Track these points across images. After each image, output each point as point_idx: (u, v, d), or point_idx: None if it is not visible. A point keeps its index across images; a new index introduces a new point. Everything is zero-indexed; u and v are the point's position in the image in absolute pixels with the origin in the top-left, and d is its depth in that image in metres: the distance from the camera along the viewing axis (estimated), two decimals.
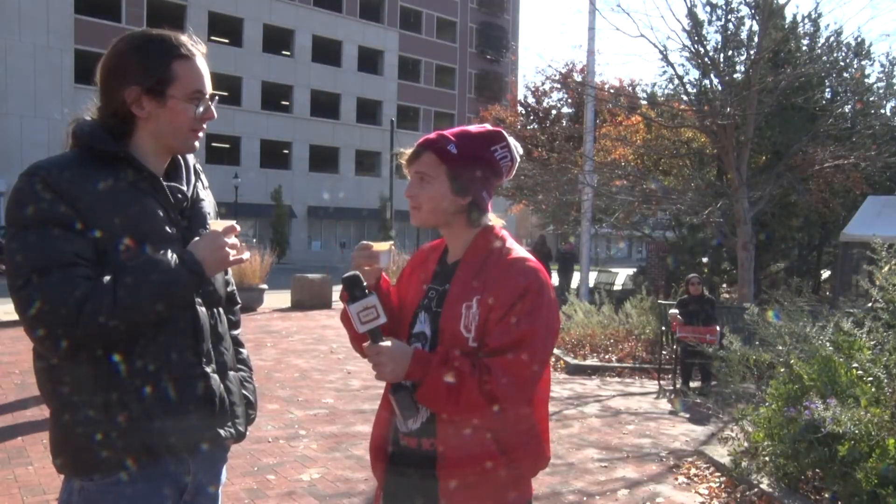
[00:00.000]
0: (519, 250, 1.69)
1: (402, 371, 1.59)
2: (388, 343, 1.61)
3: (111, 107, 1.59)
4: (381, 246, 1.75)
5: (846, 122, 11.91)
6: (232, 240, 1.60)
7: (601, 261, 41.70)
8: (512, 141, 1.74)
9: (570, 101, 23.40)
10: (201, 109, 1.62)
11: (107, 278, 1.46)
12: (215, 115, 1.67)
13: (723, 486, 4.46)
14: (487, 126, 1.77)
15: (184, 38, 1.63)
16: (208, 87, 1.65)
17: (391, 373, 1.60)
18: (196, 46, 1.64)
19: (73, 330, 1.41)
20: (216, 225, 1.62)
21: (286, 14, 41.15)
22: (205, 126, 1.67)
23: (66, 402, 1.52)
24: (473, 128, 1.75)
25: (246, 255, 1.63)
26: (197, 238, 1.60)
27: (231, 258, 1.59)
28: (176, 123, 1.60)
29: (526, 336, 1.57)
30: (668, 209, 13.02)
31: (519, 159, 1.76)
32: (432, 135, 1.73)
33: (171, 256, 1.51)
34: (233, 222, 1.62)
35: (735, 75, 10.50)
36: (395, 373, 1.60)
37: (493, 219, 1.77)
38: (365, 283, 1.64)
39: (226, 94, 35.64)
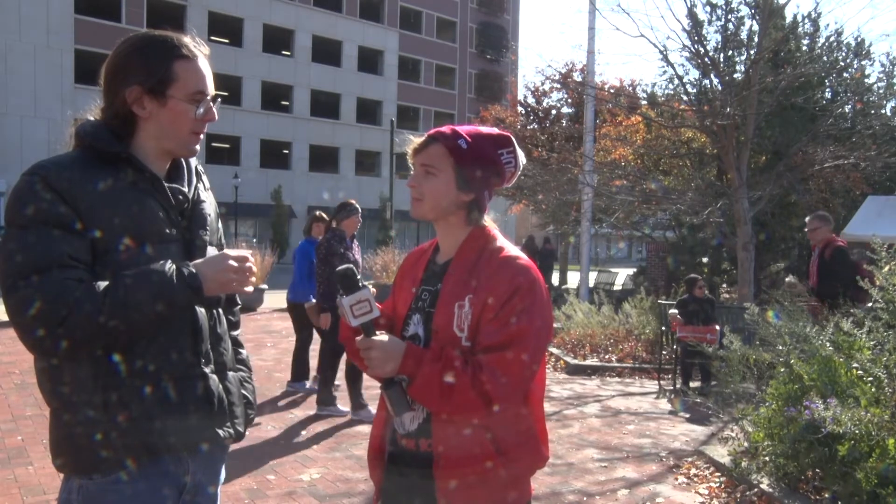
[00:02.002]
0: (510, 249, 1.69)
1: (395, 365, 1.58)
2: (380, 337, 1.61)
3: (113, 107, 1.60)
4: None
5: (846, 122, 11.90)
6: (240, 266, 1.58)
7: (601, 261, 41.70)
8: (518, 149, 1.75)
9: (570, 101, 23.38)
10: (202, 110, 1.62)
11: (105, 282, 1.46)
12: (216, 117, 1.67)
13: (723, 486, 4.46)
14: (497, 130, 1.78)
15: (186, 39, 1.63)
16: (210, 89, 1.65)
17: (383, 367, 1.59)
18: (199, 48, 1.64)
19: (73, 331, 1.40)
20: (231, 252, 1.61)
21: (286, 14, 41.14)
22: (205, 128, 1.67)
23: (66, 401, 1.52)
24: (484, 128, 1.76)
25: (249, 288, 1.61)
26: (205, 258, 1.60)
27: (234, 284, 1.58)
28: (176, 124, 1.61)
29: (519, 333, 1.57)
30: (668, 209, 13.03)
31: (521, 168, 1.77)
32: (445, 128, 1.73)
33: (172, 266, 1.51)
34: (247, 253, 1.61)
35: (735, 75, 10.49)
36: (388, 367, 1.59)
37: (486, 219, 1.77)
38: (359, 277, 1.64)
39: (226, 94, 35.56)
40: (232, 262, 1.57)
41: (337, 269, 1.65)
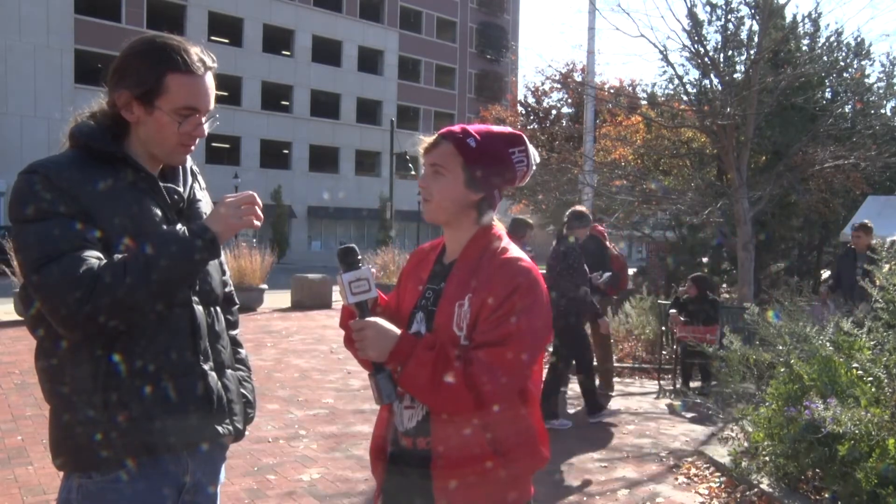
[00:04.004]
0: (514, 250, 1.69)
1: (387, 349, 1.57)
2: (375, 318, 1.61)
3: (113, 107, 1.60)
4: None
5: (846, 122, 11.89)
6: (237, 201, 1.58)
7: None
8: (531, 148, 1.74)
9: (570, 101, 23.39)
10: (187, 127, 1.60)
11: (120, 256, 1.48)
12: (205, 134, 1.65)
13: (723, 486, 4.46)
14: (510, 128, 1.78)
15: (194, 50, 1.60)
16: (206, 104, 1.62)
17: (375, 348, 1.58)
18: (203, 62, 1.60)
19: (100, 299, 1.40)
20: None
21: (286, 14, 41.15)
22: (195, 141, 1.65)
23: (66, 401, 1.53)
24: (496, 127, 1.76)
25: (257, 223, 1.59)
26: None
27: (238, 219, 1.56)
28: (161, 135, 1.60)
29: (519, 332, 1.57)
30: (668, 209, 13.02)
31: (534, 167, 1.76)
32: (456, 127, 1.73)
33: (182, 227, 1.55)
34: (247, 193, 1.61)
35: (735, 75, 10.48)
36: (380, 350, 1.58)
37: (494, 220, 1.77)
38: (359, 257, 1.64)
39: (226, 93, 35.63)
40: (229, 200, 1.58)
41: (338, 248, 1.66)
